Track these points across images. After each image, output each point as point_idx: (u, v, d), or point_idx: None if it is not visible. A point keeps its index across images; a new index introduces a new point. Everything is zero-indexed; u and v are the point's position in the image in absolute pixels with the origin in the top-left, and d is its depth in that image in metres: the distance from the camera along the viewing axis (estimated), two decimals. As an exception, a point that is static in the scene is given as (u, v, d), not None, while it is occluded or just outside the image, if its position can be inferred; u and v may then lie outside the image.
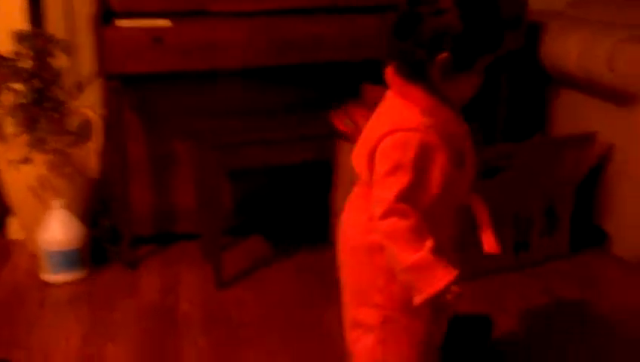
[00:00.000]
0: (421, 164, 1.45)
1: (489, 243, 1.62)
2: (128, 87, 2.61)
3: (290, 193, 2.94)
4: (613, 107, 2.67)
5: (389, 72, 1.52)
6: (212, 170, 2.48)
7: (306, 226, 2.83)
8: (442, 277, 1.43)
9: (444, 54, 1.42)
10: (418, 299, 1.45)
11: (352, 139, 2.35)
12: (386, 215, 1.45)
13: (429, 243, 1.44)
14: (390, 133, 1.46)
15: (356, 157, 1.57)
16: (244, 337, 2.24)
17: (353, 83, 2.64)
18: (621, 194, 2.68)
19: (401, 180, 1.44)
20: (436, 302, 1.46)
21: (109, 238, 2.75)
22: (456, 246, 1.63)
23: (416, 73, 1.47)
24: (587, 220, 2.82)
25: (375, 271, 1.55)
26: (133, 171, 2.73)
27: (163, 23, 2.46)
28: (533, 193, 2.59)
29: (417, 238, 1.44)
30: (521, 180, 2.55)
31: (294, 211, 2.91)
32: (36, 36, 2.61)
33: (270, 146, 2.47)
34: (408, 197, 1.44)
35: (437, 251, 1.44)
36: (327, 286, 2.40)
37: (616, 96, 2.63)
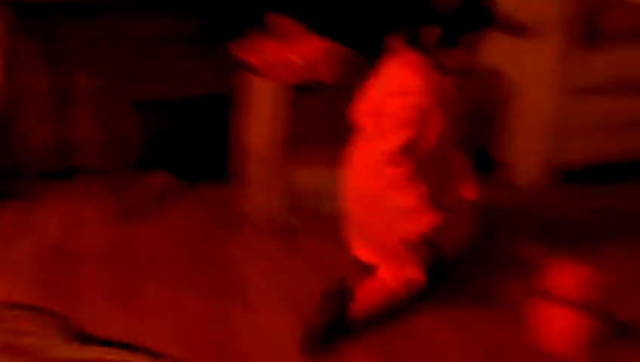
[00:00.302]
0: (419, 123, 1.71)
1: (468, 191, 1.90)
2: (27, 19, 2.48)
3: (196, 127, 2.87)
4: (510, 40, 2.68)
5: (393, 40, 1.76)
6: (114, 103, 2.40)
7: (210, 161, 2.78)
8: (431, 220, 1.73)
9: (437, 29, 1.68)
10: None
11: (262, 71, 2.32)
12: (389, 163, 1.72)
13: (422, 190, 1.72)
14: (393, 96, 1.72)
15: (361, 114, 1.82)
16: (149, 272, 2.22)
17: (254, 13, 2.57)
18: (516, 125, 2.74)
19: (402, 136, 1.71)
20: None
21: (8, 174, 2.64)
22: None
23: (414, 43, 1.73)
24: (481, 149, 2.85)
25: (383, 213, 1.80)
26: (33, 105, 2.62)
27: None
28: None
29: (411, 183, 1.71)
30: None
31: (199, 145, 2.86)
32: None
33: (172, 78, 2.39)
34: (408, 150, 1.71)
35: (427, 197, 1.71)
36: (231, 221, 2.47)
37: (514, 29, 2.65)
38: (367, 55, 2.18)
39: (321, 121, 2.40)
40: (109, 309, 2.01)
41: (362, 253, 1.92)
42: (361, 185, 1.83)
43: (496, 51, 2.68)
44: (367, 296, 1.85)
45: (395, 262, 1.85)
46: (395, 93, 1.73)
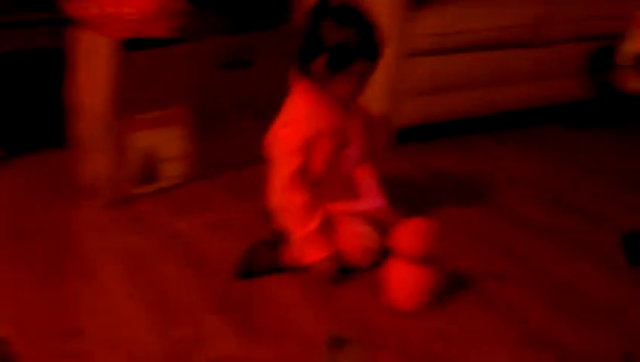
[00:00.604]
0: (306, 150, 1.83)
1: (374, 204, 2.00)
2: None
3: (23, 86, 2.63)
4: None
5: (292, 72, 1.87)
6: None
7: (42, 126, 2.58)
8: (315, 254, 1.85)
9: (322, 58, 1.77)
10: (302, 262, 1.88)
11: (93, 24, 2.17)
12: (280, 190, 1.85)
13: (313, 223, 1.85)
14: (283, 126, 1.86)
15: (268, 144, 1.92)
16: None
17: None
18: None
19: (292, 164, 1.83)
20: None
21: None
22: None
23: (303, 73, 1.84)
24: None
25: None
26: None
27: None
28: (284, 83, 2.51)
29: (305, 215, 1.84)
30: (270, 71, 2.49)
31: (30, 110, 2.62)
32: None
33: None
34: (299, 176, 1.83)
35: (320, 227, 1.84)
36: (63, 188, 2.34)
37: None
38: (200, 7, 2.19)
39: (159, 80, 2.28)
40: None
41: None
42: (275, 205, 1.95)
43: None
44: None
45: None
46: (285, 123, 1.85)
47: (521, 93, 3.00)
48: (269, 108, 2.42)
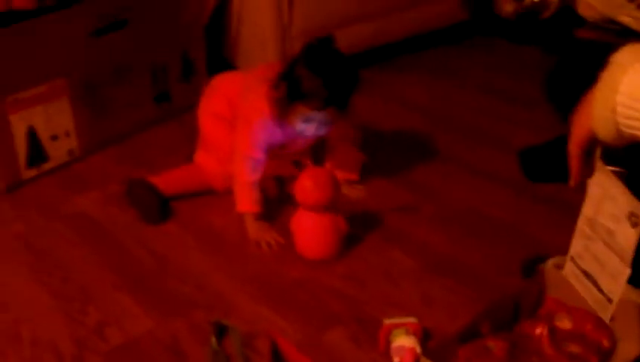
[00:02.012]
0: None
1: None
2: None
3: None
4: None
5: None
6: None
7: None
8: (245, 205, 1.95)
9: (280, 89, 1.85)
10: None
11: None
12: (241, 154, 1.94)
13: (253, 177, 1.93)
14: (252, 109, 1.94)
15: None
16: None
17: None
18: (244, 28, 2.71)
19: (251, 154, 1.93)
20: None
21: None
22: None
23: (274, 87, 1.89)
24: (219, 57, 2.79)
25: None
26: None
27: None
28: (163, 40, 2.49)
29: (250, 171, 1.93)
30: (148, 29, 2.42)
31: None
32: None
33: None
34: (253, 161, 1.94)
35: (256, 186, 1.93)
36: None
37: None
38: None
39: (31, 56, 2.15)
40: None
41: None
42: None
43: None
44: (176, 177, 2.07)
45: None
46: (254, 107, 1.93)
47: (405, 21, 2.97)
48: (152, 69, 2.43)
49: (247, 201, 1.95)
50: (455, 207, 2.02)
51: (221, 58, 2.80)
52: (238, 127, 1.96)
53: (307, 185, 1.77)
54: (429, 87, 2.85)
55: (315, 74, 1.78)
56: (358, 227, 1.92)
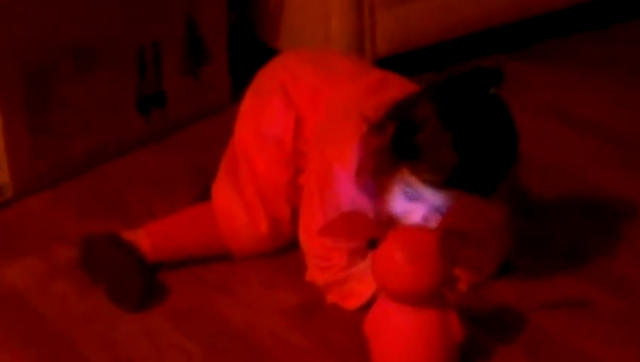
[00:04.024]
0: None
1: None
2: None
3: None
4: None
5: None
6: None
7: None
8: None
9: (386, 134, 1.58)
10: None
11: None
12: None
13: None
14: (338, 155, 1.68)
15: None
16: None
17: None
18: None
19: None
20: None
21: None
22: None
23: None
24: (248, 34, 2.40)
25: None
26: None
27: None
28: (154, 3, 2.05)
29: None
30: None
31: None
32: None
33: None
34: None
35: None
36: None
37: None
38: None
39: None
40: None
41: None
42: None
43: None
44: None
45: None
46: (341, 154, 1.64)
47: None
48: (135, 52, 2.02)
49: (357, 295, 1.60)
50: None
51: (252, 36, 2.40)
52: (306, 180, 1.66)
53: (398, 259, 1.37)
54: (606, 92, 2.29)
55: (446, 125, 1.41)
56: (483, 331, 1.52)
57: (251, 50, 2.36)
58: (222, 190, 1.72)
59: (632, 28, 2.66)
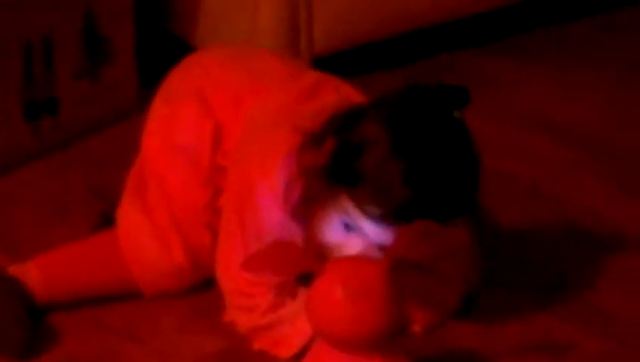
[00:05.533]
0: None
1: None
2: None
3: None
4: None
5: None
6: None
7: None
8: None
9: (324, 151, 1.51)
10: None
11: None
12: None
13: None
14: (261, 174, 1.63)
15: None
16: None
17: None
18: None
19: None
20: None
21: None
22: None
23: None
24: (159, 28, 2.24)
25: None
26: None
27: None
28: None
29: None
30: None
31: None
32: None
33: None
34: None
35: None
36: None
37: None
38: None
39: None
40: None
41: None
42: None
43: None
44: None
45: None
46: (265, 172, 1.56)
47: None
48: (21, 49, 1.86)
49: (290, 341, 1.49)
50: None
51: (162, 30, 2.26)
52: (225, 202, 1.53)
53: (338, 297, 1.26)
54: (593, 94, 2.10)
55: (398, 153, 1.31)
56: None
57: (163, 47, 2.21)
58: (128, 214, 1.54)
59: (621, 15, 2.40)
